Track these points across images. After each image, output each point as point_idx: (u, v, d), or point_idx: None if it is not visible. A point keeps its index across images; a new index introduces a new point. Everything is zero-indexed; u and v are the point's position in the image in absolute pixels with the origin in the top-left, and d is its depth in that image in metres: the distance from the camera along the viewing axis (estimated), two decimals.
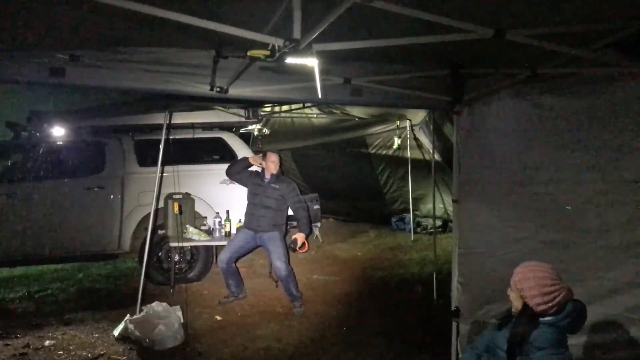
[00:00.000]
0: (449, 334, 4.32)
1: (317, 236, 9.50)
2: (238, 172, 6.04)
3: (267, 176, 5.91)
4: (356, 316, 5.58)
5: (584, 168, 3.09)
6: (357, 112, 8.59)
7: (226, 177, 6.26)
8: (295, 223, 5.98)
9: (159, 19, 2.35)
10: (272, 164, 5.90)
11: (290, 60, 2.56)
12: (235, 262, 5.96)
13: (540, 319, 2.51)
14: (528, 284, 2.52)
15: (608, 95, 3.01)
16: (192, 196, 6.52)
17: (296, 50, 2.43)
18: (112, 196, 6.66)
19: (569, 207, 3.17)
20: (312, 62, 2.65)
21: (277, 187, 5.83)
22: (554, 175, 3.25)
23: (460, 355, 4.06)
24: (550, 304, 2.46)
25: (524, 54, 3.29)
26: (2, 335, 5.05)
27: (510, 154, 3.61)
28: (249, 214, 5.92)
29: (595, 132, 3.06)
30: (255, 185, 5.92)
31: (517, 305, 2.61)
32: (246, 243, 5.87)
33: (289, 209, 5.95)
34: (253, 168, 6.12)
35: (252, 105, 6.97)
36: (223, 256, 5.78)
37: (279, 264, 5.62)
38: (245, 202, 5.96)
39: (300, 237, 5.50)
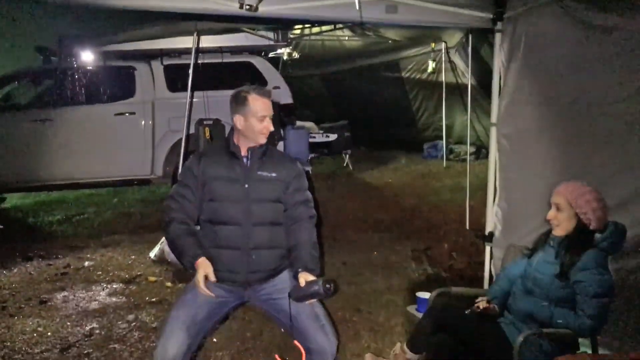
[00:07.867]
0: (481, 259, 4.29)
1: (347, 163, 9.46)
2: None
3: (245, 152, 2.58)
4: (388, 242, 5.58)
5: None
6: (391, 34, 8.23)
7: None
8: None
9: None
10: (257, 121, 2.50)
11: None
12: None
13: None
14: (585, 198, 2.44)
15: None
16: (222, 122, 6.47)
17: None
18: (143, 122, 6.66)
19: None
20: None
21: (271, 174, 2.58)
22: (605, 99, 3.03)
23: (494, 279, 4.02)
24: (604, 221, 2.44)
25: None
26: (44, 255, 5.25)
27: (557, 76, 3.37)
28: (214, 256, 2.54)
29: None
30: (223, 182, 2.56)
31: (567, 226, 2.53)
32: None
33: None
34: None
35: (281, 27, 6.74)
36: None
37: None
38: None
39: (303, 277, 2.40)
